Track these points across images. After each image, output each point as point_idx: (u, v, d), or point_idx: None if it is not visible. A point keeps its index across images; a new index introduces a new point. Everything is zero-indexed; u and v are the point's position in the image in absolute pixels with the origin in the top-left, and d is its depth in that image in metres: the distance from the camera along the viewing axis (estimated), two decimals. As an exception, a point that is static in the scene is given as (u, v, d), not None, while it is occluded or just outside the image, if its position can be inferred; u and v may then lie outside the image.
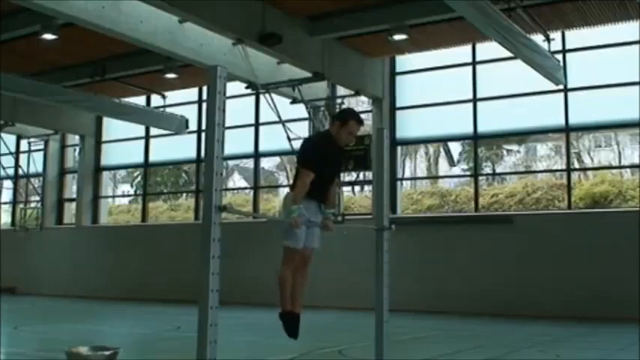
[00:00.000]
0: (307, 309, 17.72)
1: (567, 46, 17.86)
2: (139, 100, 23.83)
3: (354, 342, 11.33)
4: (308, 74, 18.04)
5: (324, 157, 5.93)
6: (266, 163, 24.50)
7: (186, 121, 23.00)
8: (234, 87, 18.67)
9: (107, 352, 5.36)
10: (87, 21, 14.30)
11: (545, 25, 15.95)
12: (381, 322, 5.84)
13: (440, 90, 19.49)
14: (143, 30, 15.30)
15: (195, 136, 23.34)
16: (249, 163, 24.27)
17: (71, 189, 27.12)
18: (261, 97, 20.03)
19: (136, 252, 23.45)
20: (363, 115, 23.58)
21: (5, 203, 29.56)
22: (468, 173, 21.37)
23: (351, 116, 6.14)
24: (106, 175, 26.71)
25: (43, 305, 20.94)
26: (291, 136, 19.10)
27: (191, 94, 23.44)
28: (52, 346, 10.36)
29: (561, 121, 17.97)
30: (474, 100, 19.10)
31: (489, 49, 17.82)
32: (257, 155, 22.70)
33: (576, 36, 17.64)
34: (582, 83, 17.66)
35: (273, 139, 20.91)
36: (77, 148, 26.66)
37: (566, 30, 17.40)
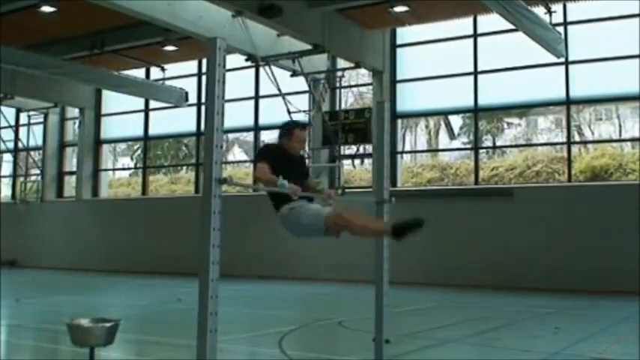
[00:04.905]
0: (307, 281, 17.83)
1: (568, 19, 17.78)
2: (139, 73, 23.78)
3: (354, 314, 11.41)
4: (308, 46, 17.97)
5: (283, 159, 5.95)
6: (266, 137, 24.42)
7: (186, 93, 22.98)
8: (234, 60, 18.60)
9: (108, 324, 5.37)
10: (85, -7, 14.24)
11: (546, -3, 15.87)
12: (381, 294, 5.85)
13: (441, 63, 19.42)
14: (142, 2, 15.21)
15: (195, 108, 23.31)
16: (250, 137, 24.25)
17: (71, 162, 27.15)
18: (261, 69, 19.97)
19: (136, 225, 23.51)
20: (363, 88, 23.62)
21: (5, 177, 29.60)
22: (468, 146, 21.33)
23: (293, 126, 6.26)
24: (106, 148, 26.70)
25: (44, 278, 21.04)
26: (292, 109, 19.08)
27: (190, 66, 23.37)
28: (52, 319, 10.43)
29: (562, 94, 17.94)
30: (475, 72, 19.04)
31: (491, 21, 17.74)
32: (257, 128, 22.66)
33: (577, 8, 17.59)
34: (583, 56, 17.60)
35: (273, 112, 20.86)
36: (77, 121, 26.62)
37: (567, 2, 17.32)
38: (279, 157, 5.93)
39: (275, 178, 5.53)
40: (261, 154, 6.12)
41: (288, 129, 6.22)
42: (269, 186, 5.63)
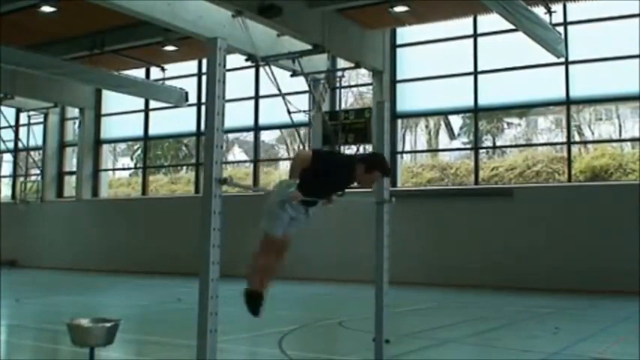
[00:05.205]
0: (308, 281, 17.81)
1: (568, 19, 17.79)
2: (139, 73, 23.77)
3: (354, 314, 11.41)
4: (308, 46, 17.96)
5: (346, 169, 5.82)
6: (266, 137, 24.44)
7: (186, 93, 22.97)
8: (234, 60, 18.59)
9: (108, 324, 5.37)
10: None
11: (546, -3, 15.88)
12: (381, 294, 5.85)
13: (441, 63, 19.42)
14: (142, 2, 15.21)
15: (195, 108, 23.31)
16: (250, 137, 24.25)
17: (71, 162, 27.14)
18: (261, 69, 19.96)
19: (136, 225, 23.50)
20: (363, 88, 23.55)
21: (5, 177, 29.60)
22: (468, 146, 21.32)
23: (378, 167, 5.76)
24: (106, 148, 26.70)
25: (44, 278, 21.03)
26: (291, 109, 19.05)
27: (190, 66, 23.37)
28: (52, 319, 10.43)
29: (562, 94, 17.95)
30: (475, 72, 19.04)
31: (491, 21, 17.74)
32: (257, 128, 22.67)
33: (577, 8, 17.60)
34: (583, 56, 17.62)
35: (273, 112, 20.86)
36: (77, 121, 26.62)
37: (567, 2, 17.32)
38: (344, 166, 5.80)
39: (298, 170, 5.54)
40: (323, 153, 6.02)
41: (374, 164, 5.75)
42: (291, 171, 5.64)
